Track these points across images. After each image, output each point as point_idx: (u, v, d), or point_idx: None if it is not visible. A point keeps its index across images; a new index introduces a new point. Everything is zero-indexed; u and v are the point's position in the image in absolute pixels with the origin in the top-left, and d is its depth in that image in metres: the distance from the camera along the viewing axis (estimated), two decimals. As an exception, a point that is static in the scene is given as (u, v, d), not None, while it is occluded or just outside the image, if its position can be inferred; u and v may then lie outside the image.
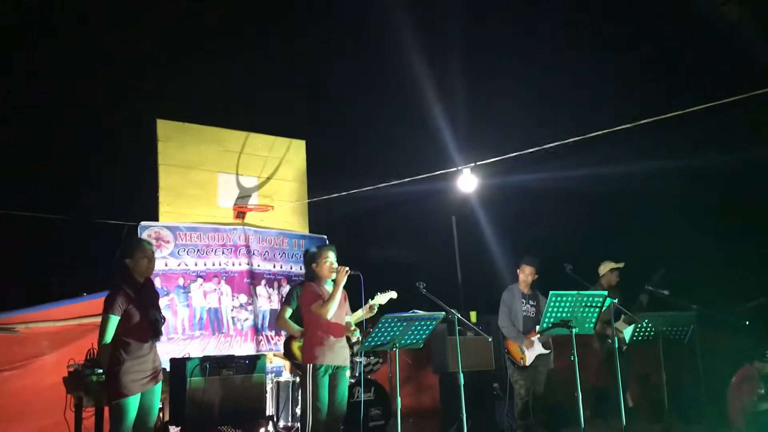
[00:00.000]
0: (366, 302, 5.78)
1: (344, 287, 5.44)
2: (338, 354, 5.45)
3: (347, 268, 5.41)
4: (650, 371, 7.34)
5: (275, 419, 6.66)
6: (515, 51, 10.08)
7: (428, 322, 5.27)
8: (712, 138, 8.65)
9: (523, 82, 10.07)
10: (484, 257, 10.48)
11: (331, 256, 5.60)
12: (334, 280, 5.45)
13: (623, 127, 5.29)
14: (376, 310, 5.85)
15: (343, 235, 9.24)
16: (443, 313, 5.34)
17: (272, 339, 7.85)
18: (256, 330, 7.78)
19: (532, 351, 6.93)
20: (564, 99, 9.98)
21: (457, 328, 5.66)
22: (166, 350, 6.99)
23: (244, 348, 7.61)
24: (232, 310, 7.71)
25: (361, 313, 5.80)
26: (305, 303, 5.51)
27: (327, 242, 8.45)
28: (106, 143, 8.79)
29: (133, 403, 4.40)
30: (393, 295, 5.90)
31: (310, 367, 5.34)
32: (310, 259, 5.76)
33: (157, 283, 7.26)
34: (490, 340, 6.48)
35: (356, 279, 5.46)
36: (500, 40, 10.02)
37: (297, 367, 6.16)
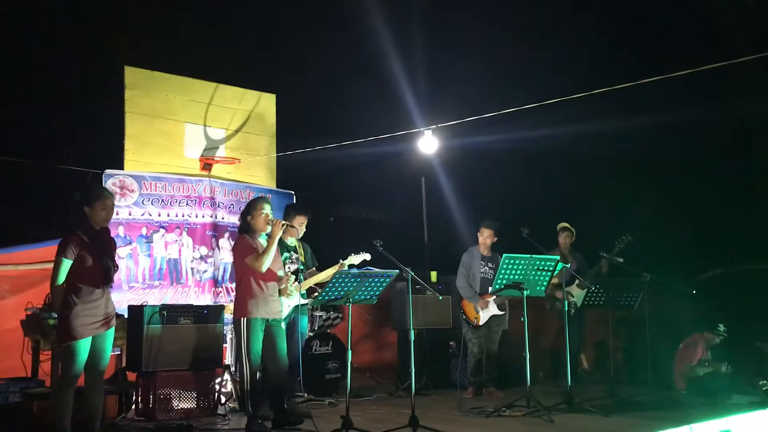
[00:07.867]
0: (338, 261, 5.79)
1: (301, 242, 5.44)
2: (271, 307, 5.36)
3: (283, 222, 5.35)
4: (606, 336, 7.57)
5: (232, 369, 6.77)
6: (474, 13, 10.05)
7: (382, 280, 5.35)
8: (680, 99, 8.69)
9: (483, 44, 10.05)
10: (449, 218, 10.61)
11: (267, 209, 5.43)
12: (269, 234, 5.33)
13: (584, 94, 5.36)
14: (346, 269, 5.85)
15: (312, 193, 9.31)
16: (397, 271, 5.41)
17: (232, 291, 7.91)
18: (215, 282, 7.83)
19: (487, 311, 7.12)
20: (524, 61, 10.00)
21: (410, 286, 5.74)
22: (126, 298, 7.06)
23: (201, 299, 7.64)
24: (191, 261, 7.74)
25: (331, 272, 5.80)
26: (239, 255, 5.39)
27: (294, 198, 8.47)
28: (74, 89, 8.68)
29: (83, 347, 4.46)
30: (366, 257, 5.91)
31: (244, 320, 5.28)
32: (245, 211, 5.54)
33: (121, 231, 7.28)
34: (440, 298, 6.60)
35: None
36: (461, 2, 9.99)
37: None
